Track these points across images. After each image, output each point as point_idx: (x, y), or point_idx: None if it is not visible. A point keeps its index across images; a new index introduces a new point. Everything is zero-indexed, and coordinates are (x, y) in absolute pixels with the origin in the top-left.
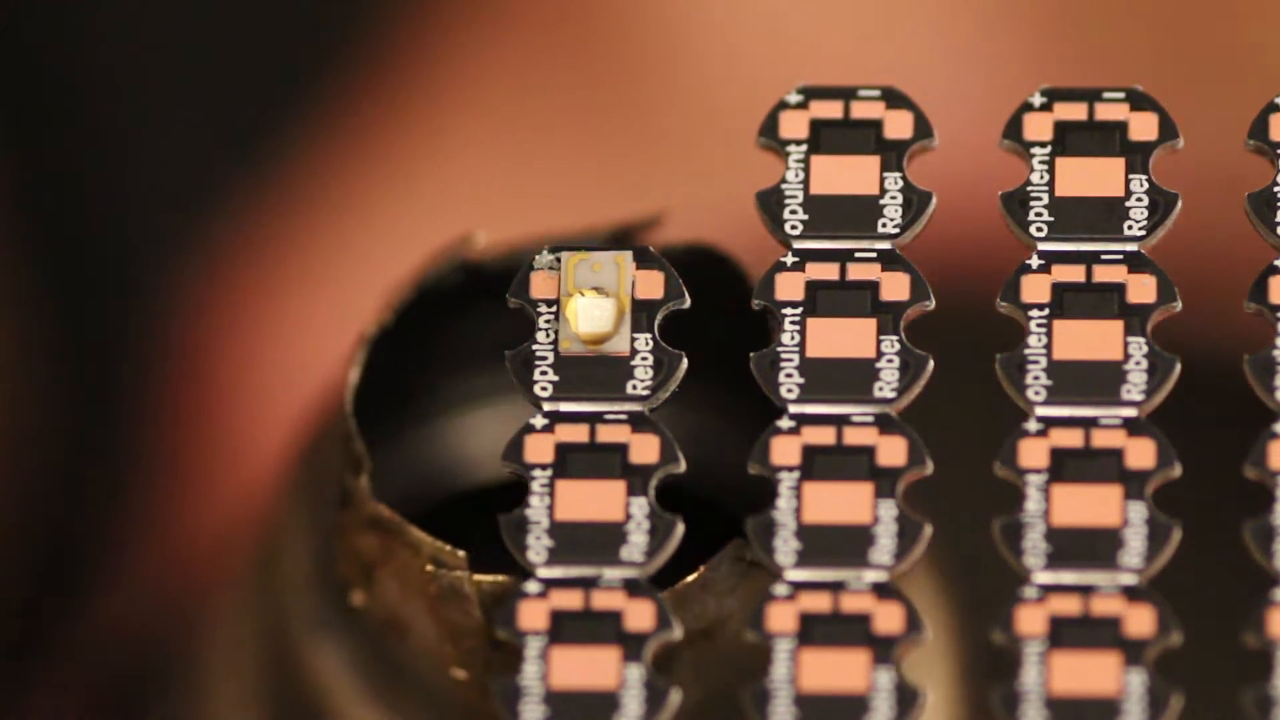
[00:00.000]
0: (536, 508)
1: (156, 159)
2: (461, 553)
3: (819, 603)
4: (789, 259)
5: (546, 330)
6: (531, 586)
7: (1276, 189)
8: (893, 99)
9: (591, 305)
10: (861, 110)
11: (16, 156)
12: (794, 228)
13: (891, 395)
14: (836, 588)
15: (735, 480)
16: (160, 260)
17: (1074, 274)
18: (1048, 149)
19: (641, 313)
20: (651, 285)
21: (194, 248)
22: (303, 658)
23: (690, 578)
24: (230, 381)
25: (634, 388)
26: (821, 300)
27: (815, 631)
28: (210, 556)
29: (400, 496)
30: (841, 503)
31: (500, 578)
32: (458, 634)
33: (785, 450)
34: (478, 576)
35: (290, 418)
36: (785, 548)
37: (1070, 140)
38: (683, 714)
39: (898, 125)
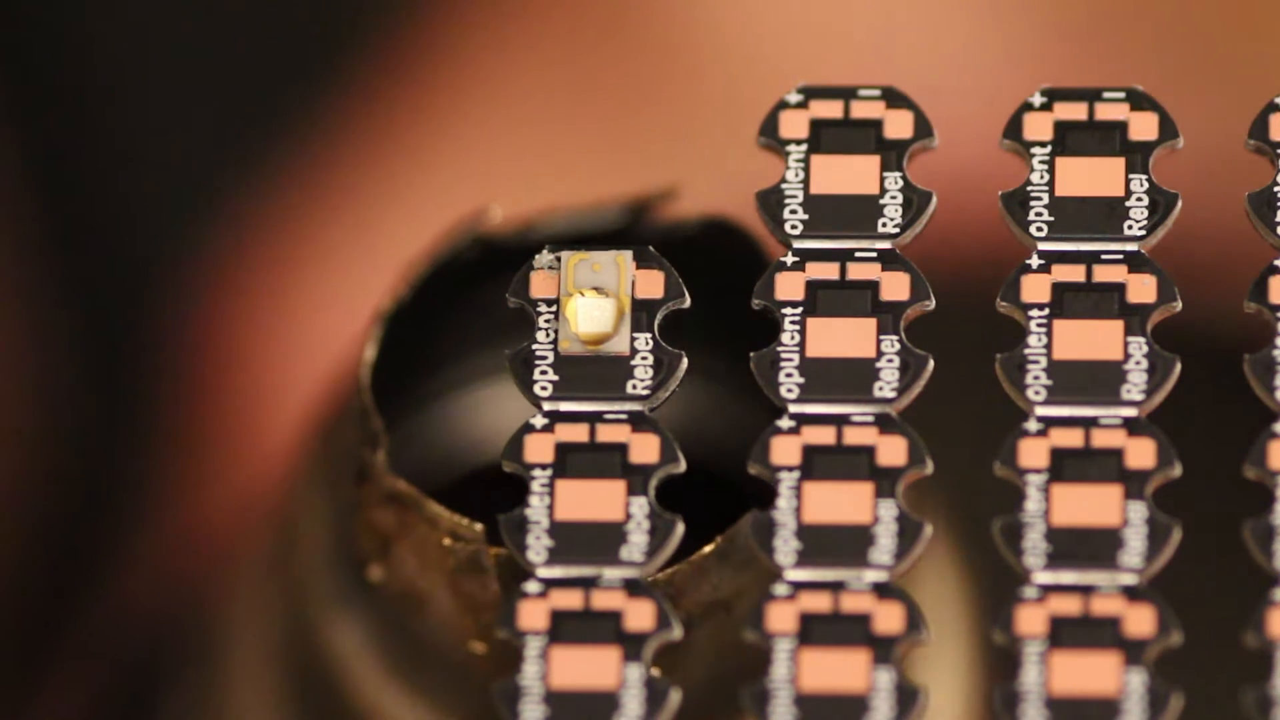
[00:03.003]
0: (536, 507)
1: (171, 138)
2: (479, 526)
3: (819, 603)
4: (789, 259)
5: (546, 330)
6: (531, 586)
7: (1276, 189)
8: (893, 99)
9: (591, 305)
10: (861, 110)
11: (30, 131)
12: (794, 227)
13: (891, 395)
14: (836, 588)
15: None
16: (176, 240)
17: (1074, 274)
18: (1048, 149)
19: (641, 312)
20: (651, 285)
21: (210, 226)
22: (321, 632)
23: (707, 548)
24: (247, 359)
25: (634, 387)
26: (821, 300)
27: (815, 631)
28: (228, 533)
29: (417, 471)
30: (841, 503)
31: None
32: (476, 607)
33: (785, 450)
34: (495, 550)
35: (307, 394)
36: (785, 547)
37: (1070, 140)
38: (700, 686)
39: (898, 125)
